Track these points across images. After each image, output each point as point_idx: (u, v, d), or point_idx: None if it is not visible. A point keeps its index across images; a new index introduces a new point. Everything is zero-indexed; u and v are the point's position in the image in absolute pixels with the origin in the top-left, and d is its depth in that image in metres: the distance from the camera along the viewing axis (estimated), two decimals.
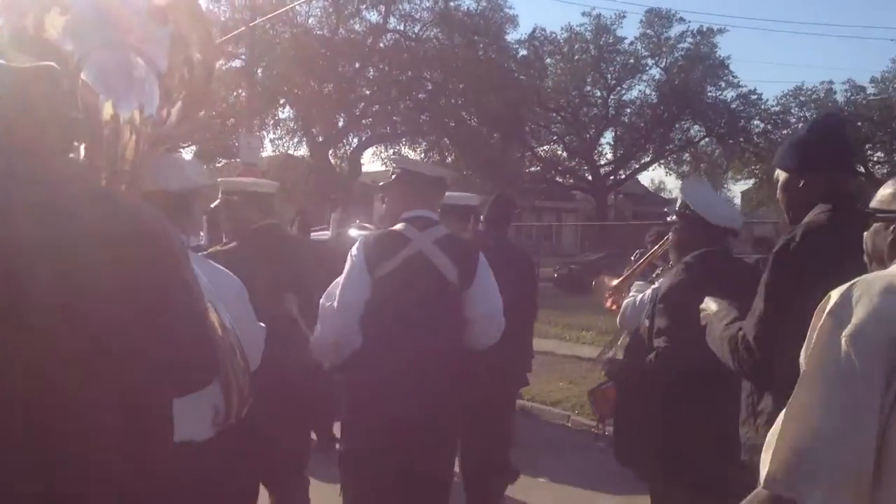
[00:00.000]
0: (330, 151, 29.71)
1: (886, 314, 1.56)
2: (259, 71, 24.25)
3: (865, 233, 1.87)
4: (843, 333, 1.56)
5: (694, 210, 3.29)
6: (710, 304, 2.70)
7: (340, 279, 3.25)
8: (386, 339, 3.14)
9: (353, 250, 3.27)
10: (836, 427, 1.54)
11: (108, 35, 2.08)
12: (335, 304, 3.21)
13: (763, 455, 1.66)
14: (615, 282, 5.04)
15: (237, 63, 25.67)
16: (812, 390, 1.60)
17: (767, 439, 1.68)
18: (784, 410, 1.64)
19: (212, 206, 4.13)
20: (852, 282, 1.65)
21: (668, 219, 3.53)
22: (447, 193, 3.79)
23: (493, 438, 4.63)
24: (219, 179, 4.09)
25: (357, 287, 3.19)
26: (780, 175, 2.64)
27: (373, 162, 41.21)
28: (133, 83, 2.06)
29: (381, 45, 29.27)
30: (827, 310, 1.62)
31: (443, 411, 3.21)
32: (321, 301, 3.29)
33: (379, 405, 3.13)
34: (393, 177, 3.47)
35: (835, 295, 1.63)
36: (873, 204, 1.88)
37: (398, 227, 3.32)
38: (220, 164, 27.56)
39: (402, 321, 3.15)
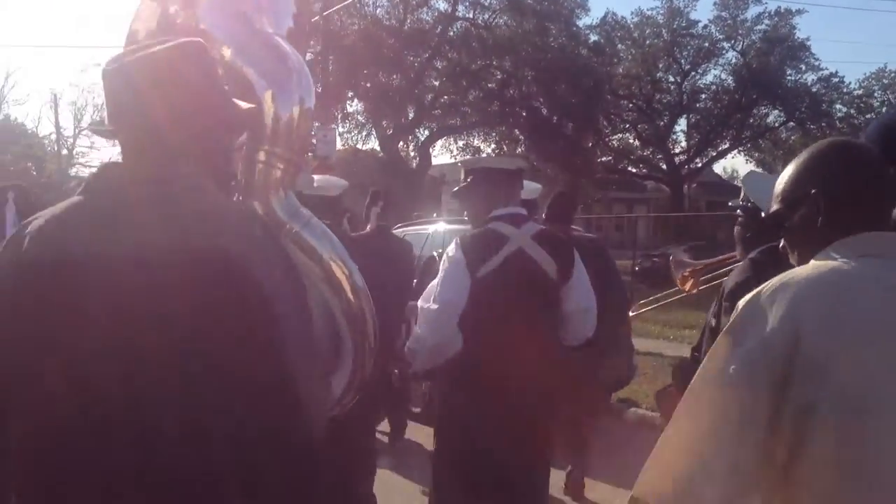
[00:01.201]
0: (399, 144, 29.39)
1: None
2: (329, 64, 24.06)
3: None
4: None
5: (755, 204, 3.06)
6: None
7: (437, 280, 3.18)
8: (489, 339, 3.05)
9: (450, 251, 3.20)
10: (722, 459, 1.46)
11: (251, 22, 1.97)
12: (432, 305, 3.11)
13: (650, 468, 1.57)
14: (697, 263, 4.86)
15: (308, 56, 25.53)
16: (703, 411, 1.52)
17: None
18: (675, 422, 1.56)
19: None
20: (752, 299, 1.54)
21: (735, 212, 3.30)
22: None
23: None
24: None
25: (457, 287, 3.11)
26: None
27: (441, 154, 40.95)
28: (291, 74, 1.92)
29: (451, 33, 28.76)
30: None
31: (547, 412, 3.17)
32: (419, 304, 3.23)
33: (484, 405, 3.06)
34: (469, 180, 3.31)
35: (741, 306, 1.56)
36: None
37: (493, 225, 3.25)
38: None
39: (506, 319, 3.08)
